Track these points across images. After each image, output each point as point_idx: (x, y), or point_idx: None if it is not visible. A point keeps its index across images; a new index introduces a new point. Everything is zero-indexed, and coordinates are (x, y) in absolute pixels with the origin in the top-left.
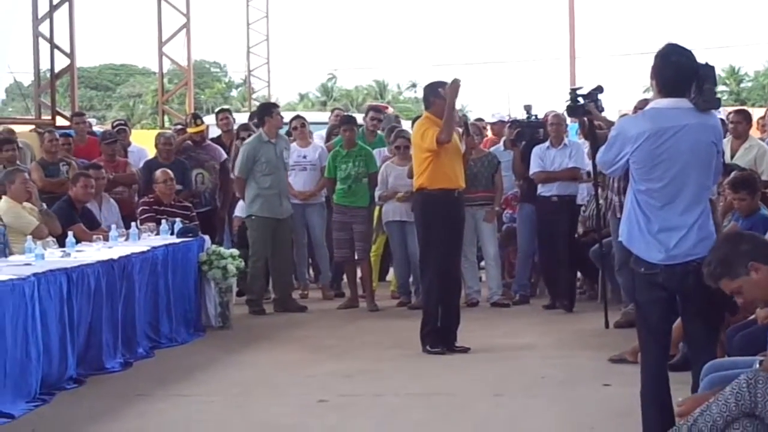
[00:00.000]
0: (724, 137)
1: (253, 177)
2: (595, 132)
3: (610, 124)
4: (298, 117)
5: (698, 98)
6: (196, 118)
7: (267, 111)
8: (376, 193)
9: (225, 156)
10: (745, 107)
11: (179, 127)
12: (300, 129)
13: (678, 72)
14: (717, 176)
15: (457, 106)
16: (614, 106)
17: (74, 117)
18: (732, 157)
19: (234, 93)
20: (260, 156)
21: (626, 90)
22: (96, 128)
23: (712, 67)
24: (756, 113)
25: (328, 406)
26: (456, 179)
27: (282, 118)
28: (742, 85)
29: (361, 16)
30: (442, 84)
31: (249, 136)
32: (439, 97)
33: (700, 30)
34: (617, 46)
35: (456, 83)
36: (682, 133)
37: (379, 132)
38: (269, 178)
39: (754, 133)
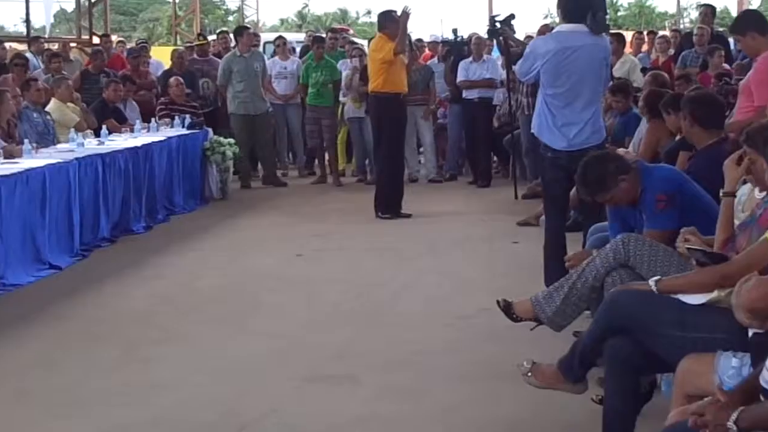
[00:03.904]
0: None
1: (231, 84)
2: (509, 49)
3: (521, 43)
4: (280, 37)
5: (593, 24)
6: (201, 36)
7: (239, 33)
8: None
9: None
10: (620, 31)
11: (189, 44)
12: (282, 47)
13: (577, 3)
14: (606, 84)
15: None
16: (522, 29)
17: (103, 37)
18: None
19: (231, 18)
20: (233, 67)
21: (530, 16)
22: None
23: (604, 0)
24: (628, 35)
25: (304, 258)
26: (402, 85)
27: (255, 36)
28: (618, 14)
29: None
30: (393, 11)
31: None
32: (390, 21)
33: None
34: None
35: (406, 12)
36: (581, 51)
37: (339, 48)
38: (242, 84)
39: (627, 50)
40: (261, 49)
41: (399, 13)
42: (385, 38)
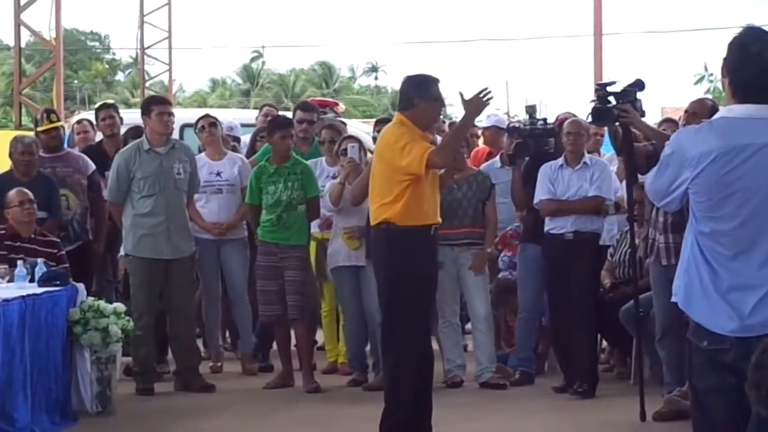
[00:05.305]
0: None
1: (130, 201)
2: (633, 145)
3: (655, 133)
4: (206, 116)
5: None
6: (50, 113)
7: (146, 109)
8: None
9: (93, 167)
10: None
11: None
12: (209, 131)
13: (761, 68)
14: None
15: None
16: (655, 103)
17: None
18: None
19: (121, 77)
20: (137, 171)
21: (671, 80)
22: None
23: None
24: None
25: None
26: (435, 212)
27: (172, 117)
28: None
29: None
30: (434, 81)
31: None
32: (427, 100)
33: None
34: (653, 20)
35: (481, 100)
36: (765, 153)
37: (317, 138)
38: (150, 201)
39: None
40: (177, 134)
41: (463, 95)
42: (410, 128)
